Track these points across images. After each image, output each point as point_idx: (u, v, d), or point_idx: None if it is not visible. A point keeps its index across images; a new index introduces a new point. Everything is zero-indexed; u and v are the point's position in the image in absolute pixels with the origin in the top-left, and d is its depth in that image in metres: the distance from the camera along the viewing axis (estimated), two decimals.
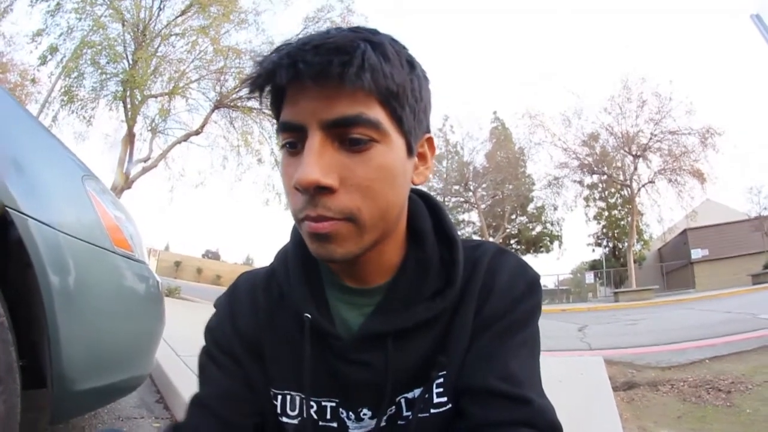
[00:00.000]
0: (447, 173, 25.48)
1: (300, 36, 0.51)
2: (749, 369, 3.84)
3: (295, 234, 0.67)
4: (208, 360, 0.67)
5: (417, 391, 0.60)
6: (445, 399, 0.59)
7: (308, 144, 0.50)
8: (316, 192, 0.50)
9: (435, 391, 0.59)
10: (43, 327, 0.94)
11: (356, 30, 0.52)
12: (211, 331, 0.69)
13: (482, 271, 0.62)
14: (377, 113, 0.51)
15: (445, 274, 0.62)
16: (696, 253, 22.47)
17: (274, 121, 0.56)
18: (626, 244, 23.21)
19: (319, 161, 0.49)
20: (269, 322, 0.66)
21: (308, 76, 0.47)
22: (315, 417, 0.62)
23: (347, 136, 0.50)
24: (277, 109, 0.56)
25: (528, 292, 0.62)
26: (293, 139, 0.52)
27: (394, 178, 0.53)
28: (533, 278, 0.63)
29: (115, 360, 1.25)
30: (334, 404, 0.62)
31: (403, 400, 0.60)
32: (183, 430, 0.62)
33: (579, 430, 2.25)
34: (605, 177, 23.10)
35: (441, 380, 0.59)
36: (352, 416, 0.62)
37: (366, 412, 0.61)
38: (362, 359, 0.60)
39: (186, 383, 2.31)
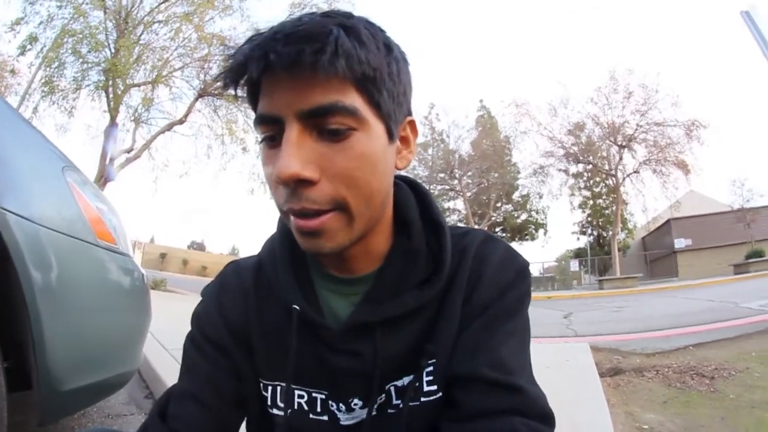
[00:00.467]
0: (432, 161, 25.46)
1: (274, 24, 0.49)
2: (732, 356, 3.92)
3: (282, 224, 0.66)
4: (192, 347, 0.67)
5: (406, 379, 0.60)
6: (435, 387, 0.59)
7: (286, 136, 0.49)
8: (297, 185, 0.49)
9: (425, 379, 0.59)
10: (27, 326, 0.92)
11: (329, 15, 0.50)
12: (197, 318, 0.68)
13: (470, 258, 0.62)
14: (354, 100, 0.49)
15: (432, 263, 0.61)
16: (679, 243, 22.84)
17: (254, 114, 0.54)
18: (611, 232, 23.56)
19: (298, 153, 0.48)
20: (258, 313, 0.65)
21: (280, 67, 0.46)
22: (306, 408, 0.62)
23: (325, 126, 0.49)
24: (253, 102, 0.54)
25: (517, 279, 0.61)
26: (271, 132, 0.51)
27: (375, 165, 0.52)
28: (522, 265, 0.63)
29: (102, 357, 1.22)
30: (323, 396, 0.62)
31: (392, 388, 0.60)
32: (169, 419, 0.62)
33: (567, 415, 2.25)
34: (590, 166, 23.30)
35: (431, 368, 0.59)
36: (343, 407, 0.62)
37: (357, 402, 0.61)
38: (351, 348, 0.60)
39: (175, 377, 2.26)
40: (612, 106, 21.32)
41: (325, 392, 0.62)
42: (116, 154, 11.07)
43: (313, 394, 0.62)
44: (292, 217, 0.52)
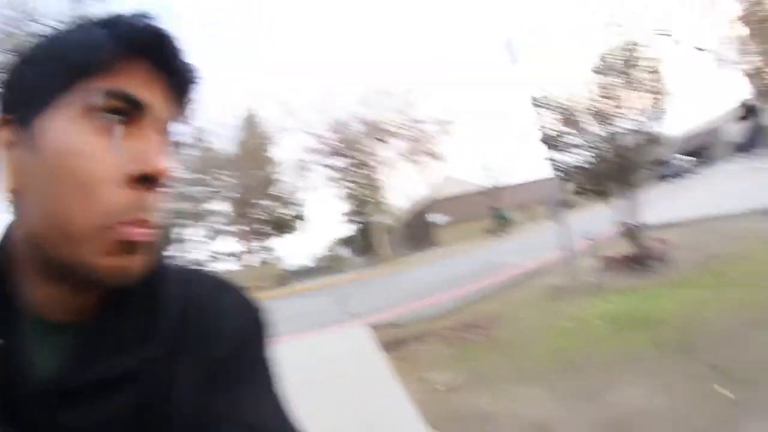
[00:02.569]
0: (190, 162, 24.53)
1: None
2: (499, 306, 4.43)
3: None
4: None
5: None
6: None
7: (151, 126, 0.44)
8: (155, 187, 0.44)
9: None
10: None
11: None
12: None
13: (199, 311, 0.52)
14: None
15: (149, 315, 0.49)
16: (440, 219, 26.75)
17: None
18: (376, 218, 26.03)
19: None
20: None
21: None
22: None
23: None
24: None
25: (255, 328, 0.55)
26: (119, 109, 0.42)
27: None
28: (258, 311, 0.56)
29: None
30: None
31: None
32: None
33: (361, 400, 2.32)
34: (354, 160, 25.40)
35: None
36: None
37: None
38: (49, 416, 0.45)
39: None
40: (372, 106, 24.12)
41: None
42: None
43: None
44: (118, 229, 0.42)
